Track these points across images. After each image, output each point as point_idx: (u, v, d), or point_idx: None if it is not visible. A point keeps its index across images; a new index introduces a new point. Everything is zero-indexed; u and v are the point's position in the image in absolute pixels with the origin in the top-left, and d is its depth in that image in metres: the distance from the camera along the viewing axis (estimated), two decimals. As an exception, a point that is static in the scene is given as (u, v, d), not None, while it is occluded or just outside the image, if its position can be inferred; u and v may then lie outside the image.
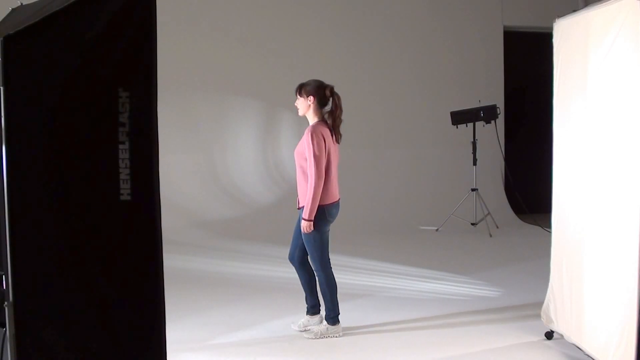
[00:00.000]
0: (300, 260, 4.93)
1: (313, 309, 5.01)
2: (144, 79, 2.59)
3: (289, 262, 5.02)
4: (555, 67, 4.49)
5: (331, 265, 4.87)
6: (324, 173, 4.64)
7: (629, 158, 3.53)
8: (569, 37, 4.31)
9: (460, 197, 9.40)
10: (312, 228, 4.64)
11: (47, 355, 2.51)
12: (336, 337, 4.82)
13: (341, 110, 4.77)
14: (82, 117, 2.52)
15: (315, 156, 4.58)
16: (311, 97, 4.74)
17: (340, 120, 4.79)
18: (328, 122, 4.76)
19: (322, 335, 4.80)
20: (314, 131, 4.63)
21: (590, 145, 3.98)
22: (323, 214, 4.68)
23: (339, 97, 4.77)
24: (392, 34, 10.35)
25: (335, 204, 4.79)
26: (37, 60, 2.45)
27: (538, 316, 4.75)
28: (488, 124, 9.27)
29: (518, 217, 10.07)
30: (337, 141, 4.81)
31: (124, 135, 2.56)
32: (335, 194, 4.78)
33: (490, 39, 10.75)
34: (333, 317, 4.84)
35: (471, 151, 9.29)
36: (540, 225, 8.86)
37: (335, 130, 4.77)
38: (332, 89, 4.78)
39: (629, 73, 3.53)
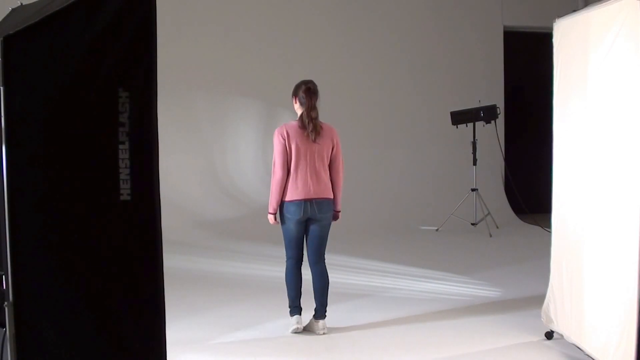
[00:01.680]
0: (309, 261, 4.95)
1: (315, 312, 4.97)
2: (144, 79, 2.60)
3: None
4: (555, 67, 4.49)
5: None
6: (287, 170, 4.78)
7: (629, 158, 3.53)
8: (569, 37, 4.31)
9: (460, 197, 9.40)
10: (274, 220, 4.86)
11: (47, 355, 2.52)
12: (297, 327, 4.84)
13: (311, 109, 4.78)
14: (82, 117, 2.53)
15: (274, 154, 4.85)
16: (294, 98, 4.89)
17: (311, 119, 4.77)
18: (299, 121, 4.82)
19: (292, 330, 4.87)
20: (277, 130, 4.88)
21: (590, 145, 3.98)
22: (281, 210, 4.83)
23: (309, 98, 4.79)
24: (392, 34, 10.35)
25: (301, 203, 4.75)
26: (37, 60, 2.45)
27: (538, 316, 4.75)
28: (488, 124, 9.27)
29: (518, 217, 10.07)
30: (314, 140, 4.79)
31: (124, 135, 2.56)
32: (300, 192, 4.75)
33: (490, 39, 10.75)
34: (290, 309, 4.92)
35: (471, 151, 9.29)
36: (540, 225, 8.85)
37: (308, 129, 4.77)
38: (306, 89, 4.81)
39: (629, 73, 3.53)
